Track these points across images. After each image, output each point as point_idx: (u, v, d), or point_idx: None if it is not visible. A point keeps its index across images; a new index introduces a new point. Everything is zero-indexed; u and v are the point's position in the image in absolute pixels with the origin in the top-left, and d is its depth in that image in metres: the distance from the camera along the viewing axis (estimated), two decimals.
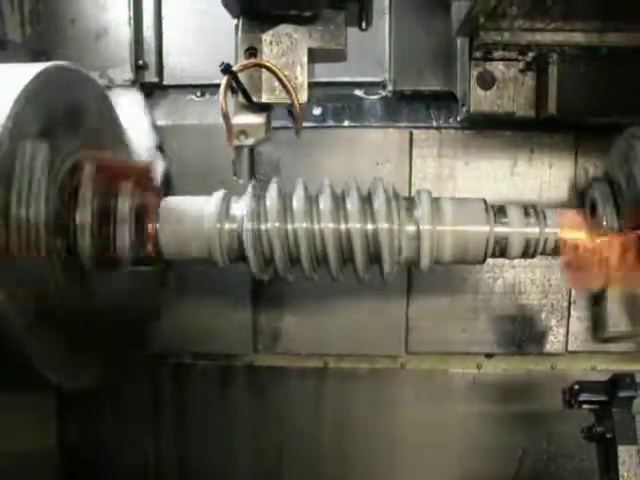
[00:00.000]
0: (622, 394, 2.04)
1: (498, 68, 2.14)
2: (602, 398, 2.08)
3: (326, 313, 2.63)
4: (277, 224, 1.67)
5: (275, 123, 2.53)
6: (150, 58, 2.56)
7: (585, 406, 2.11)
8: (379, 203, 1.69)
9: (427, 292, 2.61)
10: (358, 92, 2.57)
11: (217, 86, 2.54)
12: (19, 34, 2.43)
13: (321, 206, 1.69)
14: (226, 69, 1.69)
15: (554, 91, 2.12)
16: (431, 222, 1.69)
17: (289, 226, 1.68)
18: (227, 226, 1.72)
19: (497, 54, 2.10)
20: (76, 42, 2.51)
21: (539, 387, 2.67)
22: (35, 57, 2.41)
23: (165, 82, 2.60)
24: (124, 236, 1.67)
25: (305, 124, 2.51)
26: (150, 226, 1.73)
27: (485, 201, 1.77)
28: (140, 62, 2.54)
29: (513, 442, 2.72)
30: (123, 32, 2.50)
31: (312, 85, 1.97)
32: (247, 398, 2.79)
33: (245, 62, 1.74)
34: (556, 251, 1.79)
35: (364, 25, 1.82)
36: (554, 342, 2.62)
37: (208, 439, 2.81)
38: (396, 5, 2.40)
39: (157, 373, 2.79)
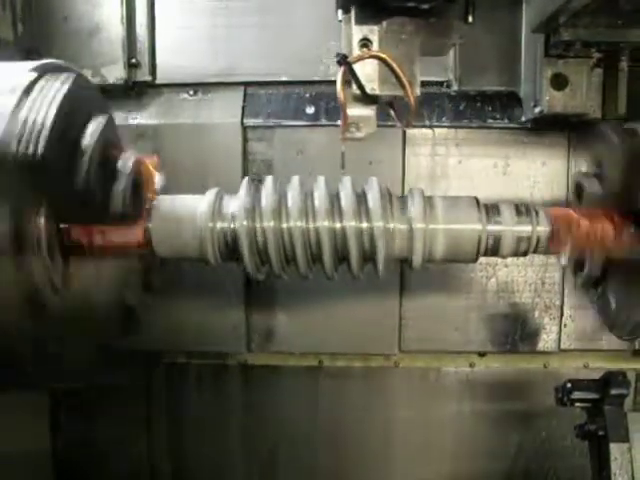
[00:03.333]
0: (614, 392, 2.05)
1: (569, 67, 2.13)
2: (594, 396, 2.09)
3: (320, 312, 2.63)
4: (272, 223, 1.67)
5: (269, 122, 2.55)
6: (143, 56, 2.56)
7: (577, 404, 2.12)
8: (374, 201, 1.69)
9: (420, 291, 2.61)
10: None
11: (210, 85, 2.59)
12: (11, 32, 2.42)
13: (316, 204, 1.69)
14: (342, 60, 1.67)
15: (624, 91, 2.12)
16: (423, 220, 1.69)
17: (284, 224, 1.68)
18: (219, 225, 1.71)
19: (572, 52, 2.08)
20: (68, 40, 2.50)
21: (532, 385, 2.69)
22: (27, 55, 2.40)
23: (158, 81, 2.60)
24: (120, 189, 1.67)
25: (298, 122, 2.54)
26: (143, 225, 1.73)
27: (477, 199, 1.77)
28: (133, 60, 2.53)
29: (506, 440, 2.73)
30: (116, 30, 2.49)
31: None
32: (241, 397, 2.79)
33: (361, 53, 1.70)
34: (548, 249, 1.79)
35: (470, 19, 1.80)
36: (547, 340, 2.63)
37: (202, 438, 2.81)
38: None
39: (151, 372, 2.78)
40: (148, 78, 2.57)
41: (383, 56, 1.69)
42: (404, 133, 2.53)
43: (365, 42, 1.71)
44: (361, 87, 1.71)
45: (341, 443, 2.80)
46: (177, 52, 2.57)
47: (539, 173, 2.53)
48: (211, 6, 2.55)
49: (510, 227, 1.75)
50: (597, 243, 1.76)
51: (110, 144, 1.72)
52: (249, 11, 2.53)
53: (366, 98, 1.74)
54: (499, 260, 2.53)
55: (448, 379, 2.73)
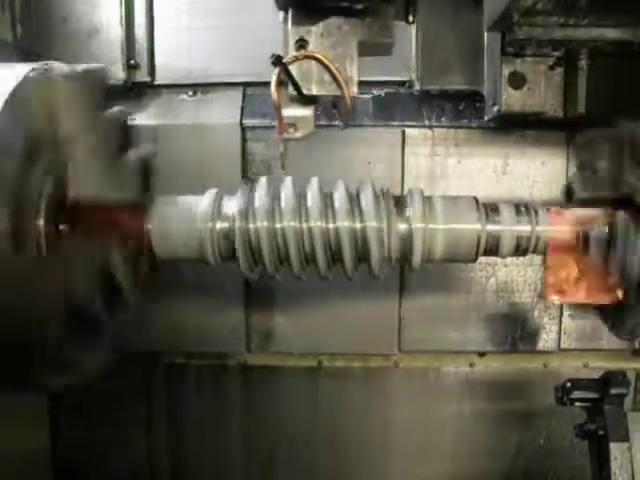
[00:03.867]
0: (614, 391, 2.05)
1: (528, 66, 2.13)
2: (594, 395, 2.09)
3: (319, 312, 2.63)
4: (265, 223, 1.67)
5: (268, 122, 2.55)
6: (142, 57, 2.56)
7: (577, 404, 2.12)
8: (367, 201, 1.69)
9: (420, 291, 2.61)
10: None
11: (209, 85, 2.59)
12: (10, 33, 2.42)
13: (309, 205, 1.69)
14: (277, 61, 1.68)
15: (583, 89, 2.12)
16: (423, 220, 1.69)
17: (277, 225, 1.68)
18: (219, 225, 1.71)
19: (529, 50, 2.08)
20: (67, 41, 2.50)
21: (532, 385, 2.69)
22: (26, 56, 2.40)
23: (157, 82, 2.60)
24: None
25: None
26: (142, 226, 1.73)
27: (476, 199, 1.77)
28: (132, 61, 2.53)
29: (506, 440, 2.73)
30: (115, 31, 2.50)
31: None
32: (240, 397, 2.79)
33: (296, 54, 1.72)
34: (547, 249, 1.80)
35: (411, 18, 1.80)
36: (546, 340, 2.63)
37: (202, 438, 2.81)
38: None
39: (150, 373, 2.78)
40: (147, 79, 2.57)
41: (318, 56, 1.70)
42: (403, 133, 2.53)
43: (302, 43, 1.72)
44: (297, 88, 1.72)
45: (341, 443, 2.80)
46: (176, 53, 2.57)
47: (538, 173, 2.54)
48: (210, 7, 2.55)
49: (509, 227, 1.75)
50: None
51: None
52: (248, 11, 2.52)
53: (303, 98, 1.75)
54: (499, 260, 2.52)
55: (448, 379, 2.73)
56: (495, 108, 2.22)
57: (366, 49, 1.77)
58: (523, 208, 1.78)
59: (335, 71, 1.70)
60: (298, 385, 2.77)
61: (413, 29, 2.41)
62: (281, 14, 1.76)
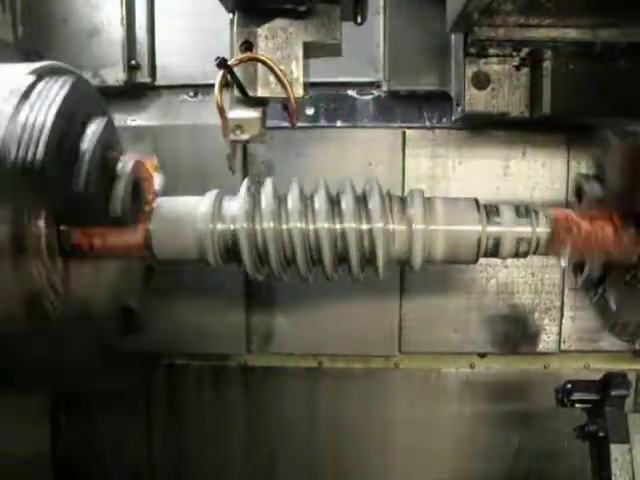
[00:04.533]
0: (614, 393, 2.05)
1: (492, 67, 2.13)
2: (594, 397, 2.09)
3: (320, 313, 2.63)
4: (272, 224, 1.67)
5: (269, 123, 2.55)
6: (143, 58, 2.56)
7: (578, 405, 2.12)
8: (374, 202, 1.69)
9: (420, 292, 2.61)
10: (351, 92, 2.57)
11: (210, 86, 2.57)
12: (11, 34, 2.42)
13: (316, 206, 1.69)
14: (221, 63, 1.68)
15: (548, 90, 2.11)
16: (423, 221, 1.69)
17: (284, 226, 1.68)
18: (220, 226, 1.71)
19: (492, 51, 2.09)
20: (68, 42, 2.50)
21: (532, 386, 2.68)
22: (27, 57, 2.40)
23: (158, 82, 2.60)
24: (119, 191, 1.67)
25: (298, 124, 2.53)
26: (143, 227, 1.72)
27: (477, 200, 1.77)
28: (133, 62, 2.53)
29: (506, 441, 2.73)
30: (115, 32, 2.50)
31: (307, 84, 1.97)
32: (241, 398, 2.79)
33: (240, 56, 1.72)
34: (548, 251, 1.79)
35: (359, 20, 1.81)
36: (547, 341, 2.63)
37: (202, 439, 2.81)
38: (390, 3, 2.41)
39: (151, 374, 2.78)
40: (148, 80, 2.57)
41: (262, 58, 1.71)
42: (404, 134, 2.54)
43: (247, 45, 1.73)
44: (242, 90, 1.73)
45: (341, 444, 2.80)
46: (177, 54, 2.58)
47: (539, 174, 2.54)
48: (210, 7, 2.53)
49: (510, 228, 1.75)
50: (597, 244, 1.76)
51: (109, 146, 1.72)
52: None
53: (248, 100, 1.76)
54: (499, 261, 2.53)
55: (448, 380, 2.72)
56: (459, 108, 2.23)
57: (313, 50, 1.78)
58: (523, 209, 1.78)
59: (280, 73, 1.71)
60: (298, 386, 2.77)
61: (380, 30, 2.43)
62: (230, 16, 1.77)
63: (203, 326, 2.64)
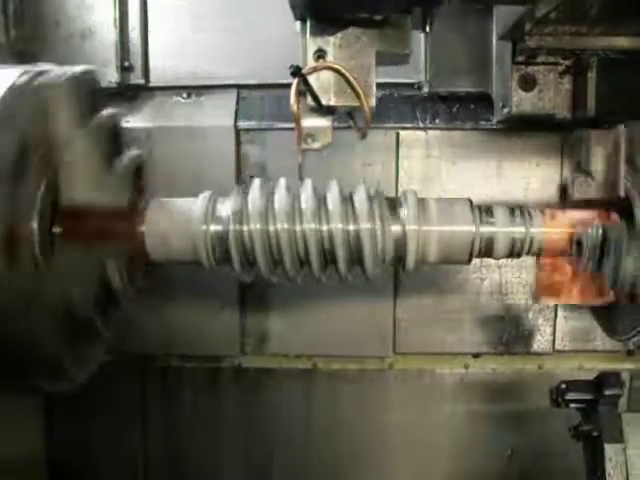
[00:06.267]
0: (608, 393, 2.05)
1: (539, 69, 2.14)
2: (589, 397, 2.09)
3: (314, 314, 2.63)
4: (258, 225, 1.67)
5: (264, 124, 2.55)
6: (136, 59, 2.55)
7: (572, 405, 2.12)
8: (360, 203, 1.69)
9: (414, 293, 2.61)
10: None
11: (203, 87, 2.59)
12: (3, 36, 2.42)
13: (302, 207, 1.69)
14: (296, 72, 1.67)
15: (593, 93, 2.13)
16: (417, 222, 1.70)
17: (271, 227, 1.67)
18: (213, 227, 1.71)
19: (540, 59, 2.11)
20: (61, 43, 2.50)
21: (526, 386, 2.69)
22: (20, 58, 2.39)
23: (151, 84, 2.59)
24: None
25: (291, 125, 2.52)
26: (137, 228, 1.72)
27: (471, 201, 1.77)
28: (126, 64, 2.53)
29: (501, 441, 2.73)
30: (108, 33, 2.49)
31: None
32: (235, 400, 2.78)
33: (315, 64, 1.71)
34: (541, 251, 1.80)
35: (428, 29, 1.80)
36: (541, 342, 2.64)
37: (197, 441, 2.81)
38: None
39: (145, 375, 2.78)
40: (141, 81, 2.57)
41: (337, 67, 1.70)
42: (397, 135, 2.54)
43: (320, 53, 1.72)
44: (316, 98, 1.72)
45: (336, 445, 2.79)
46: (170, 55, 2.57)
47: (533, 174, 2.54)
48: (205, 9, 2.54)
49: (504, 228, 1.75)
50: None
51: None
52: (242, 13, 2.52)
53: (321, 109, 1.75)
54: (493, 262, 2.54)
55: (443, 381, 2.73)
56: (505, 110, 2.23)
57: (383, 58, 1.77)
58: (517, 210, 1.79)
59: (354, 82, 1.70)
60: (293, 387, 2.76)
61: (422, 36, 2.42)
62: (297, 24, 1.75)
63: (197, 328, 2.64)
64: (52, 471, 2.80)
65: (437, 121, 2.53)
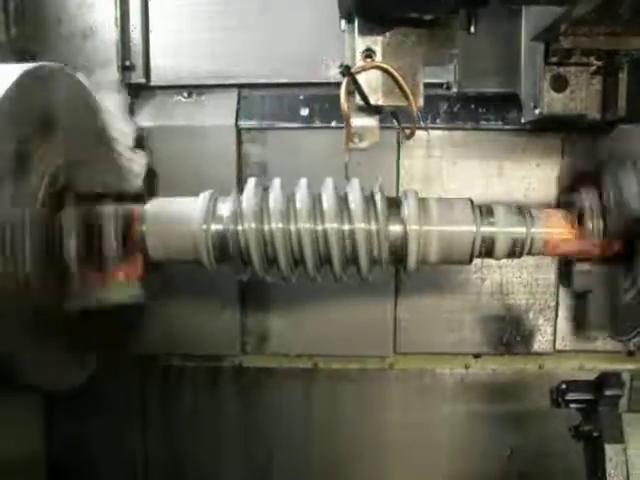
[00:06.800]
0: (609, 393, 2.05)
1: (570, 70, 2.13)
2: (589, 397, 2.09)
3: (315, 314, 2.62)
4: (253, 225, 1.67)
5: (263, 124, 2.55)
6: (137, 59, 2.54)
7: (572, 405, 2.12)
8: (355, 203, 1.69)
9: (415, 293, 2.61)
10: None
11: (204, 87, 2.59)
12: (4, 34, 2.41)
13: (298, 206, 1.69)
14: (346, 71, 1.67)
15: (623, 96, 2.13)
16: (417, 222, 1.70)
17: (265, 227, 1.67)
18: (213, 227, 1.71)
19: (573, 59, 2.10)
20: (62, 42, 2.49)
21: (527, 387, 2.69)
22: (21, 57, 2.39)
23: (152, 83, 2.58)
24: (110, 238, 1.66)
25: (292, 125, 2.53)
26: (137, 228, 1.72)
27: (471, 201, 1.77)
28: (127, 63, 2.52)
29: (501, 442, 2.73)
30: (109, 32, 2.48)
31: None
32: (236, 399, 2.78)
33: (364, 64, 1.71)
34: (542, 251, 1.80)
35: (472, 29, 1.80)
36: (542, 342, 2.63)
37: (197, 441, 2.81)
38: None
39: (146, 375, 2.78)
40: (142, 80, 2.56)
41: (386, 67, 1.70)
42: (398, 135, 2.53)
43: (368, 53, 1.72)
44: (365, 98, 1.72)
45: (336, 445, 2.79)
46: (171, 54, 2.56)
47: (533, 174, 2.54)
48: (205, 8, 2.54)
49: (504, 229, 1.75)
50: (590, 245, 1.77)
51: None
52: (243, 13, 2.52)
53: (370, 109, 1.75)
54: (494, 262, 2.53)
55: (443, 381, 2.72)
56: (537, 111, 2.22)
57: (429, 59, 1.77)
58: (518, 210, 1.79)
59: (402, 82, 1.70)
60: (294, 387, 2.76)
61: None
62: (343, 23, 1.75)
63: (198, 327, 2.63)
64: (52, 470, 2.80)
65: (437, 121, 2.52)
